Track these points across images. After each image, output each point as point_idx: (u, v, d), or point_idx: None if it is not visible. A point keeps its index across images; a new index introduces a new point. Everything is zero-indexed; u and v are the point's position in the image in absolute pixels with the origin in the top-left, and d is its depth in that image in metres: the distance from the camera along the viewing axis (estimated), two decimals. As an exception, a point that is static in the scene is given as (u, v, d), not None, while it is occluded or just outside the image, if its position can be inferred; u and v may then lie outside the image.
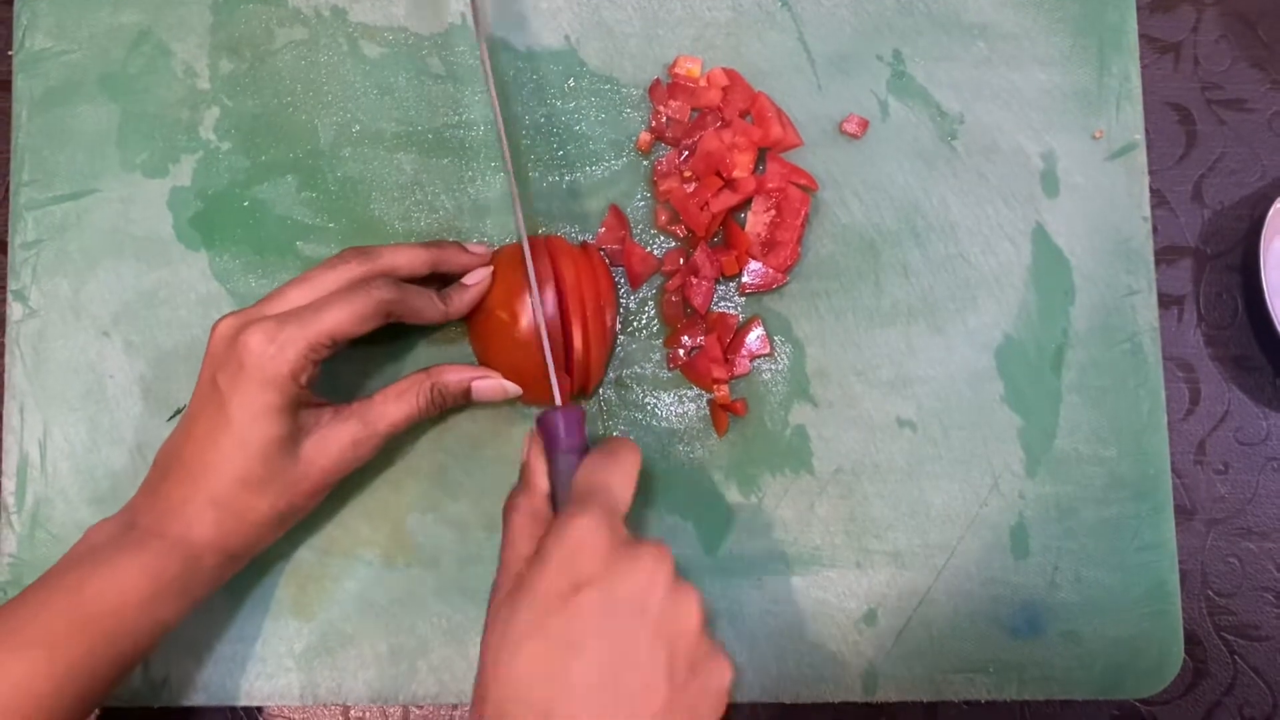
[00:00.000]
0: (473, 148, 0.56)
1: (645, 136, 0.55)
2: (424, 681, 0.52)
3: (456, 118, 0.56)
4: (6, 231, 0.56)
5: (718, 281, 0.54)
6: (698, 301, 0.53)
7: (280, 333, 0.44)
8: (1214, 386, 0.57)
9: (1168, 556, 0.53)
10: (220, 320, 0.46)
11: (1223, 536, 0.56)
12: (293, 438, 0.45)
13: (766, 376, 0.54)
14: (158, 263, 0.55)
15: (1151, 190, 0.56)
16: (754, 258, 0.54)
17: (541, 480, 0.46)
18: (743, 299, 0.55)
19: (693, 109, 0.55)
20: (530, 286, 0.49)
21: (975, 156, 0.56)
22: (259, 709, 0.54)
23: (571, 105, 0.56)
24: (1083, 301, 0.55)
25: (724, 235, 0.55)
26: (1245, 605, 0.56)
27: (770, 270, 0.54)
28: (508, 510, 0.45)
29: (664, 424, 0.54)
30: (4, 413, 0.54)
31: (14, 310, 0.54)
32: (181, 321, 0.54)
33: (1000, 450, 0.54)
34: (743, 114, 0.55)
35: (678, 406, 0.54)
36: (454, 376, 0.50)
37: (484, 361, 0.52)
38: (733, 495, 0.53)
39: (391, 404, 0.48)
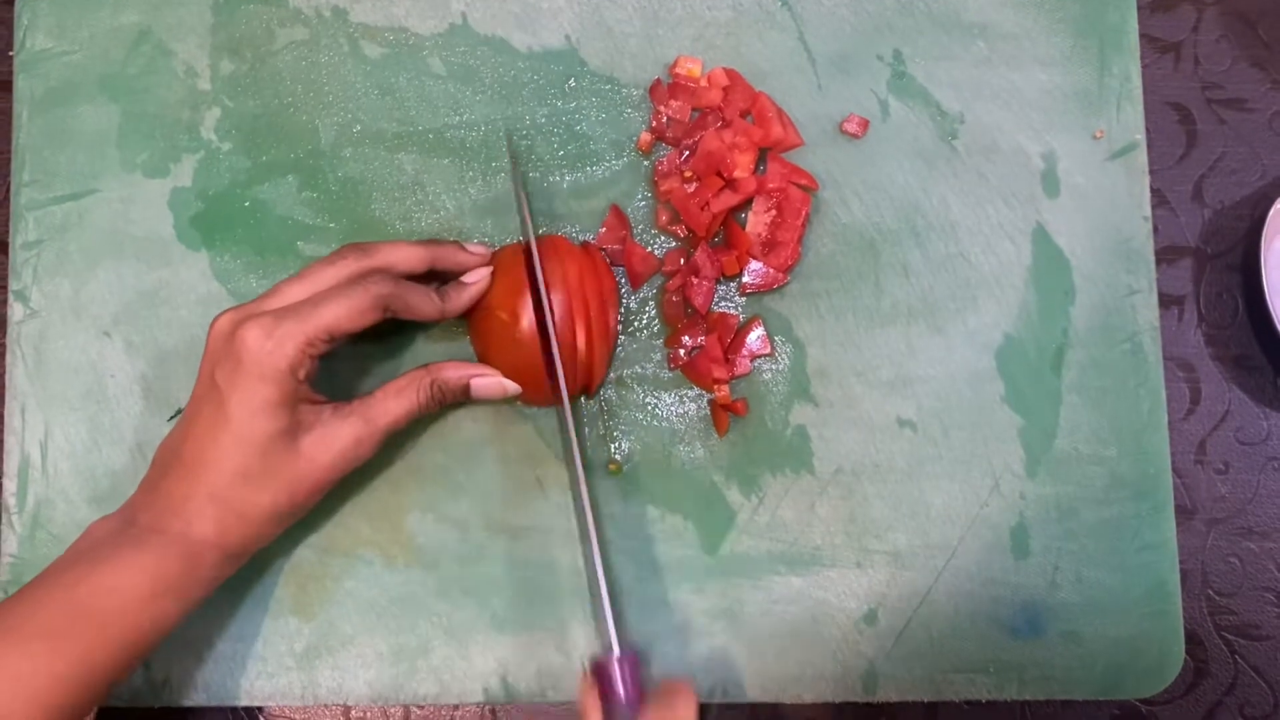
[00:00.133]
0: (473, 148, 0.56)
1: (646, 136, 0.55)
2: (424, 681, 0.52)
3: (457, 118, 0.56)
4: (7, 232, 0.56)
5: (718, 281, 0.54)
6: (698, 301, 0.53)
7: (278, 328, 0.44)
8: (1214, 386, 0.57)
9: (1168, 556, 0.53)
10: (218, 316, 0.46)
11: (1223, 536, 0.56)
12: (292, 433, 0.45)
13: (767, 376, 0.54)
14: (158, 263, 0.55)
15: (1152, 190, 0.56)
16: (755, 258, 0.54)
17: None
18: (743, 299, 0.55)
19: (693, 109, 0.55)
20: (540, 294, 0.49)
21: (976, 156, 0.56)
22: (259, 709, 0.54)
23: (572, 105, 0.56)
24: (1083, 301, 0.55)
25: (725, 235, 0.55)
26: (1246, 605, 0.56)
27: (771, 270, 0.54)
28: None
29: (664, 424, 0.54)
30: (5, 413, 0.54)
31: (15, 311, 0.54)
32: (182, 321, 0.54)
33: (1001, 450, 0.54)
34: (743, 114, 0.55)
35: (678, 406, 0.54)
36: (454, 373, 0.50)
37: (484, 360, 0.52)
38: (733, 495, 0.53)
39: (392, 400, 0.48)
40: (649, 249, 0.55)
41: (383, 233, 0.55)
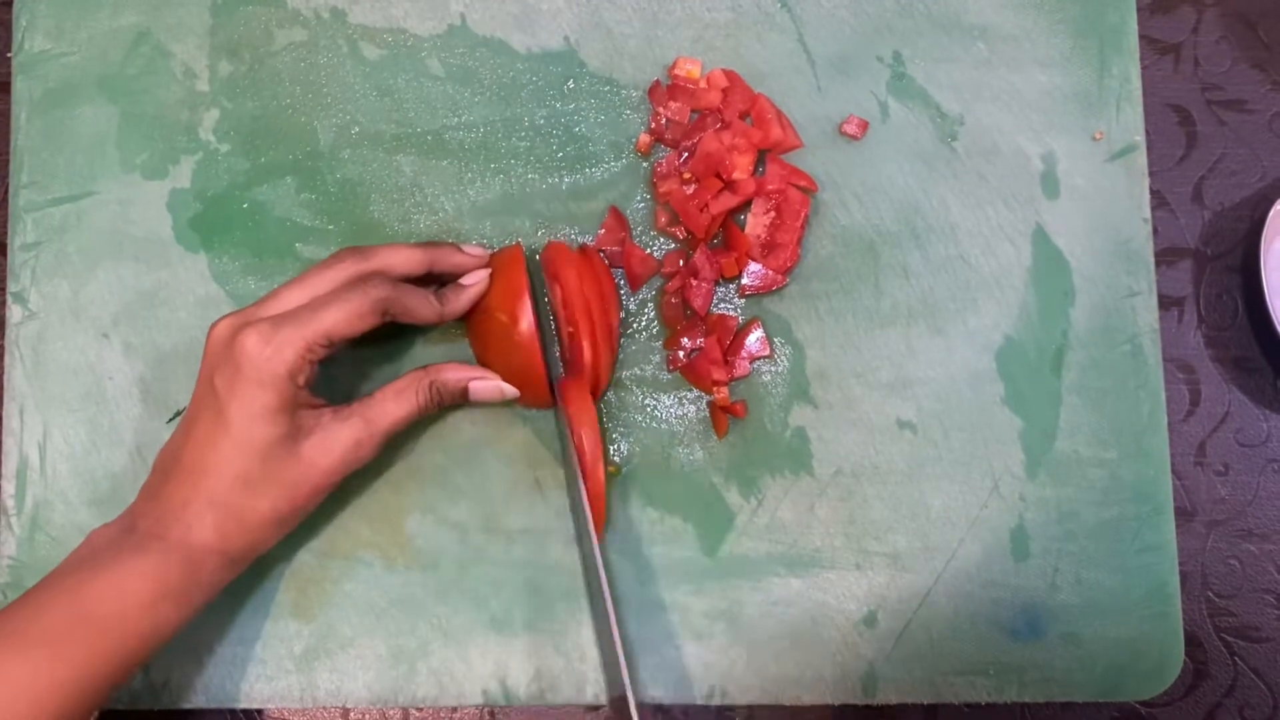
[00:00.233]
0: (472, 149, 0.56)
1: (645, 138, 0.55)
2: (423, 684, 0.52)
3: (456, 119, 0.56)
4: (6, 233, 0.56)
5: (717, 283, 0.54)
6: (697, 303, 0.53)
7: (276, 334, 0.44)
8: (1214, 388, 0.57)
9: (1168, 558, 0.53)
10: (217, 322, 0.46)
11: (1223, 538, 0.56)
12: (292, 438, 0.45)
13: (766, 378, 0.54)
14: (157, 264, 0.55)
15: (1152, 191, 0.56)
16: (754, 259, 0.54)
17: None
18: (742, 301, 0.55)
19: (692, 110, 0.55)
20: (544, 306, 0.49)
21: (975, 158, 0.56)
22: (259, 711, 0.54)
23: (571, 107, 0.56)
24: (1083, 303, 0.55)
25: (724, 237, 0.55)
26: (1246, 607, 0.56)
27: (770, 272, 0.54)
28: None
29: (664, 426, 0.54)
30: (4, 415, 0.54)
31: (13, 312, 0.54)
32: (181, 323, 0.54)
33: (1000, 452, 0.54)
34: (742, 115, 0.55)
35: (677, 408, 0.54)
36: (452, 375, 0.50)
37: (483, 363, 0.52)
38: (733, 497, 0.53)
39: (391, 402, 0.48)
40: (648, 251, 0.55)
41: (381, 234, 0.55)
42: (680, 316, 0.54)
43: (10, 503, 0.53)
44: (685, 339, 0.54)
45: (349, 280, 0.47)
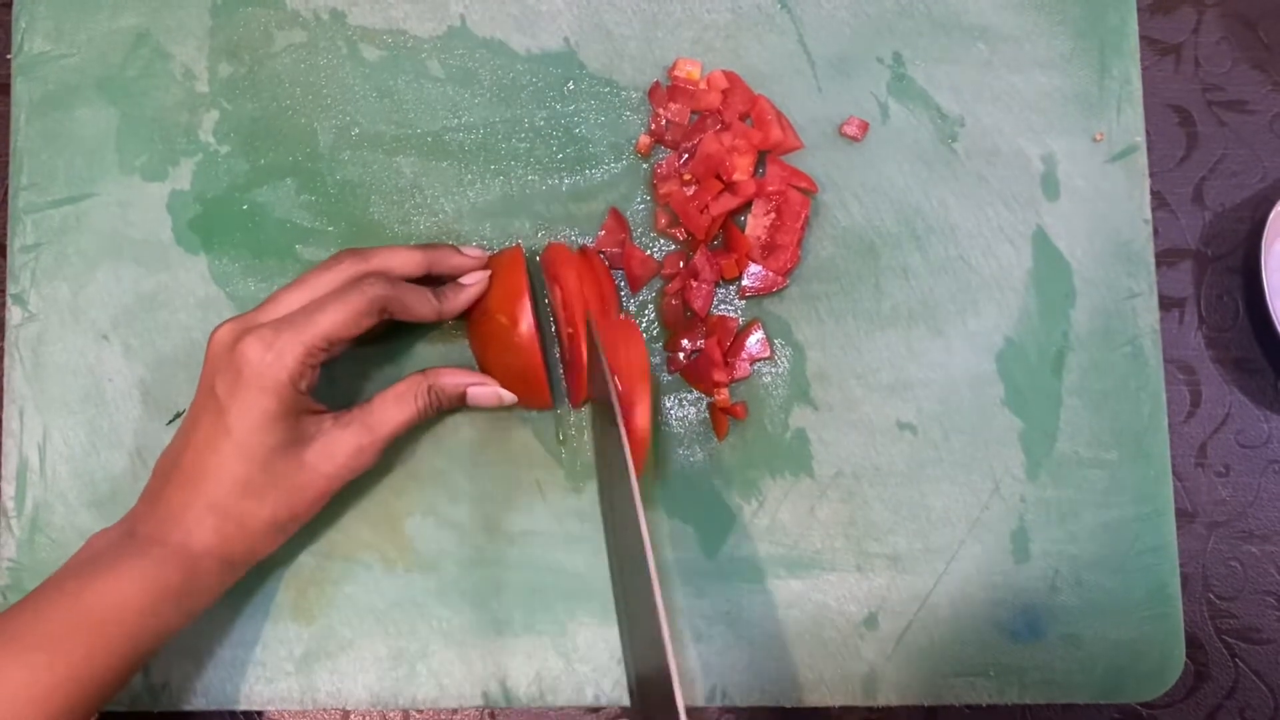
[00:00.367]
0: (472, 151, 0.56)
1: (645, 139, 0.55)
2: (424, 685, 0.52)
3: (456, 120, 0.56)
4: (5, 235, 0.56)
5: (718, 285, 0.54)
6: (698, 305, 0.53)
7: (277, 339, 0.44)
8: (1215, 389, 0.57)
9: (1169, 560, 0.53)
10: (218, 328, 0.46)
11: (1224, 539, 0.56)
12: (294, 445, 0.45)
13: (766, 380, 0.54)
14: (157, 266, 0.55)
15: (1152, 192, 0.56)
16: (754, 261, 0.54)
17: None
18: (743, 302, 0.55)
19: (692, 112, 0.55)
20: (547, 309, 0.48)
21: (975, 159, 0.56)
22: (259, 713, 0.54)
23: (571, 108, 0.56)
24: (1083, 304, 0.55)
25: (724, 238, 0.55)
26: (1247, 608, 0.56)
27: (770, 273, 0.54)
28: None
29: (664, 427, 0.54)
30: (3, 416, 0.54)
31: (13, 314, 0.54)
32: (181, 325, 0.54)
33: (1001, 453, 0.54)
34: (742, 117, 0.55)
35: (678, 410, 0.54)
36: (450, 380, 0.50)
37: (483, 364, 0.52)
38: (733, 499, 0.53)
39: (391, 407, 0.48)
40: (648, 252, 0.55)
41: (381, 236, 0.55)
42: (680, 318, 0.54)
43: (10, 504, 0.53)
44: (685, 340, 0.54)
45: (348, 281, 0.47)
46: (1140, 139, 0.56)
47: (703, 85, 0.55)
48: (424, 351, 0.54)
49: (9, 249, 0.55)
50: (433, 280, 0.50)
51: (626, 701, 0.51)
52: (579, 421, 0.54)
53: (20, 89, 0.56)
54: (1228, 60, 0.59)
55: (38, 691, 0.41)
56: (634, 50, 0.56)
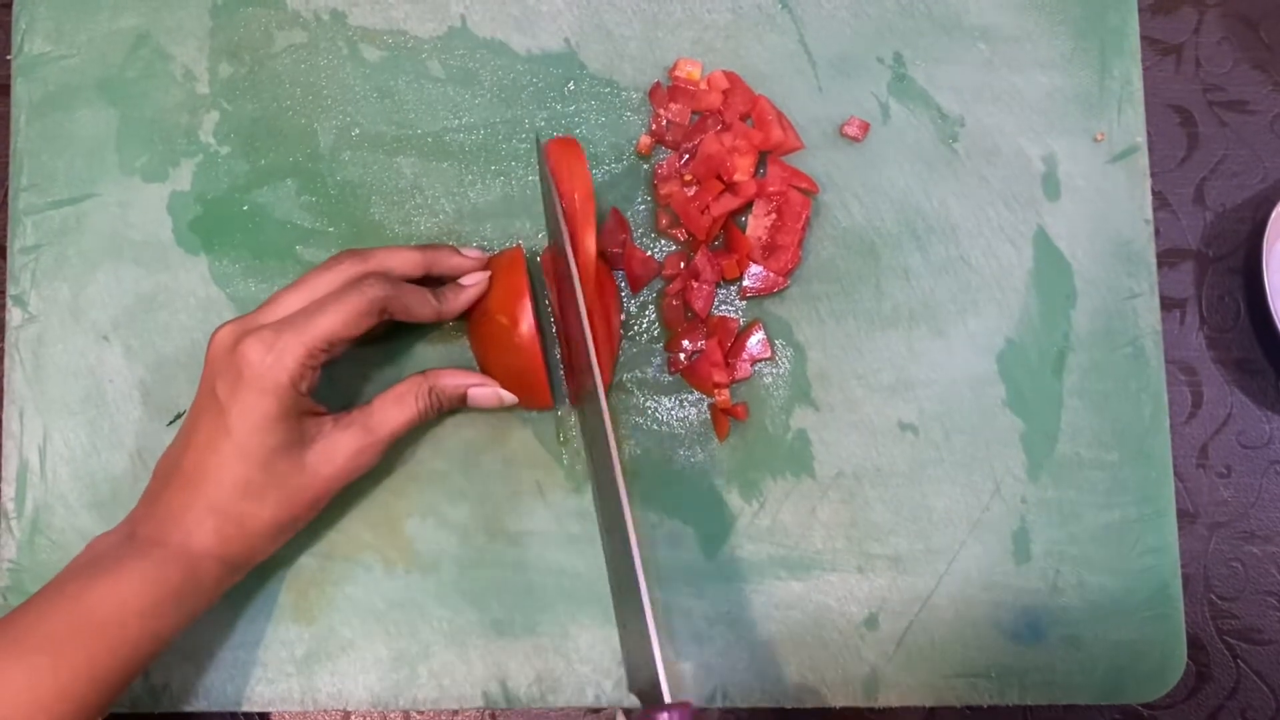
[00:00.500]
0: (472, 151, 0.55)
1: (645, 140, 0.55)
2: (424, 686, 0.52)
3: (456, 121, 0.56)
4: (5, 236, 0.56)
5: (718, 285, 0.54)
6: (698, 305, 0.53)
7: (277, 341, 0.44)
8: (1216, 390, 0.57)
9: (1170, 560, 0.53)
10: (218, 329, 0.46)
11: (1225, 540, 0.56)
12: (294, 446, 0.45)
13: (767, 380, 0.54)
14: (157, 267, 0.55)
15: (1153, 193, 0.56)
16: (755, 261, 0.54)
17: None
18: (743, 303, 0.55)
19: (693, 112, 0.55)
20: (579, 296, 0.48)
21: (976, 159, 0.56)
22: (260, 714, 0.54)
23: (572, 108, 0.56)
24: (1084, 305, 0.55)
25: (725, 239, 0.55)
26: (1248, 609, 0.56)
27: (771, 274, 0.54)
28: None
29: (665, 428, 0.54)
30: (4, 418, 0.54)
31: (13, 315, 0.54)
32: (181, 326, 0.54)
33: (1002, 454, 0.54)
34: (743, 117, 0.55)
35: (678, 411, 0.54)
36: (450, 381, 0.50)
37: (483, 365, 0.52)
38: (734, 500, 0.53)
39: (391, 408, 0.48)
40: (649, 253, 0.55)
41: (382, 237, 0.55)
42: (681, 318, 0.54)
43: (10, 506, 0.53)
44: (686, 341, 0.53)
45: (347, 282, 0.47)
46: (1141, 139, 0.56)
47: (703, 85, 0.55)
48: (424, 352, 0.54)
49: (9, 250, 0.55)
50: (433, 281, 0.50)
51: (627, 703, 0.51)
52: (579, 422, 0.54)
53: (20, 90, 0.56)
54: (1229, 60, 0.59)
55: (40, 694, 0.41)
56: (634, 50, 0.56)
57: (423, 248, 0.50)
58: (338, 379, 0.53)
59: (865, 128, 0.56)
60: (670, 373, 0.54)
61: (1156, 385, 0.54)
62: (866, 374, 0.54)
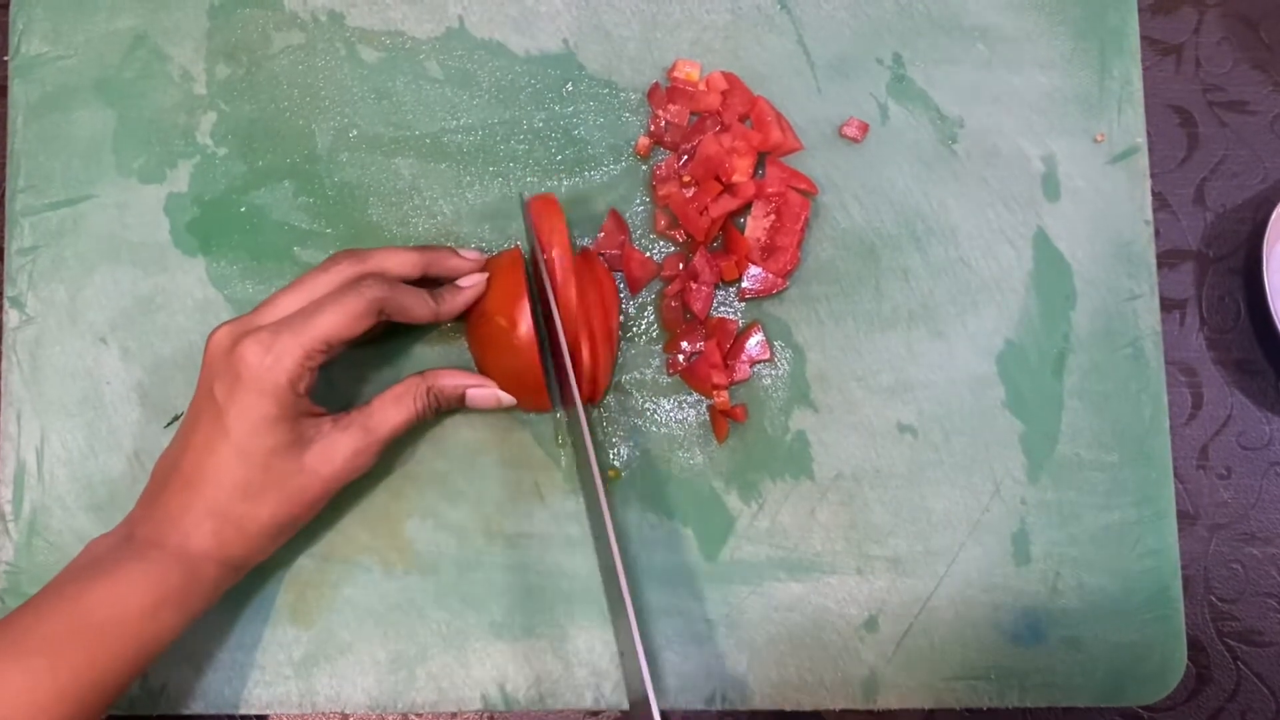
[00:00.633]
0: (470, 152, 0.55)
1: (644, 141, 0.55)
2: (423, 689, 0.52)
3: (454, 122, 0.56)
4: (2, 238, 0.56)
5: (717, 286, 0.54)
6: (697, 307, 0.53)
7: (275, 342, 0.44)
8: (1216, 391, 0.57)
9: (1170, 562, 0.53)
10: (215, 330, 0.46)
11: (1226, 542, 0.56)
12: (293, 447, 0.45)
13: (766, 382, 0.54)
14: (154, 269, 0.54)
15: (1153, 193, 0.56)
16: (754, 262, 0.54)
17: None
18: (742, 304, 0.54)
19: (691, 113, 0.55)
20: (550, 303, 0.48)
21: (976, 160, 0.55)
22: (258, 717, 0.54)
23: (570, 109, 0.56)
24: (1084, 306, 0.55)
25: (723, 240, 0.55)
26: (1248, 611, 0.56)
27: (770, 275, 0.54)
28: None
29: (664, 430, 0.54)
30: (1, 420, 0.54)
31: (10, 317, 0.54)
32: (179, 328, 0.54)
33: (1002, 456, 0.54)
34: (742, 118, 0.55)
35: (677, 412, 0.54)
36: (449, 381, 0.50)
37: (481, 366, 0.52)
38: (733, 501, 0.53)
39: (390, 408, 0.48)
40: (647, 254, 0.55)
41: (380, 238, 0.55)
42: (680, 320, 0.54)
43: (8, 508, 0.53)
44: (685, 342, 0.53)
45: (345, 283, 0.47)
46: (1141, 140, 0.56)
47: (702, 86, 0.55)
48: (422, 353, 0.54)
49: (6, 252, 0.55)
50: (431, 282, 0.50)
51: (625, 705, 0.51)
52: (570, 427, 0.54)
53: (17, 91, 0.56)
54: (1229, 60, 0.59)
55: (39, 697, 0.41)
56: (633, 51, 0.56)
57: (420, 249, 0.50)
58: (336, 380, 0.53)
59: (864, 129, 0.56)
60: (669, 374, 0.54)
61: (1156, 386, 0.54)
62: (866, 375, 0.54)
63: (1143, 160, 0.56)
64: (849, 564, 0.53)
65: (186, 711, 0.52)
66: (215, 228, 0.55)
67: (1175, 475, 0.54)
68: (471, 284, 0.50)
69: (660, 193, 0.54)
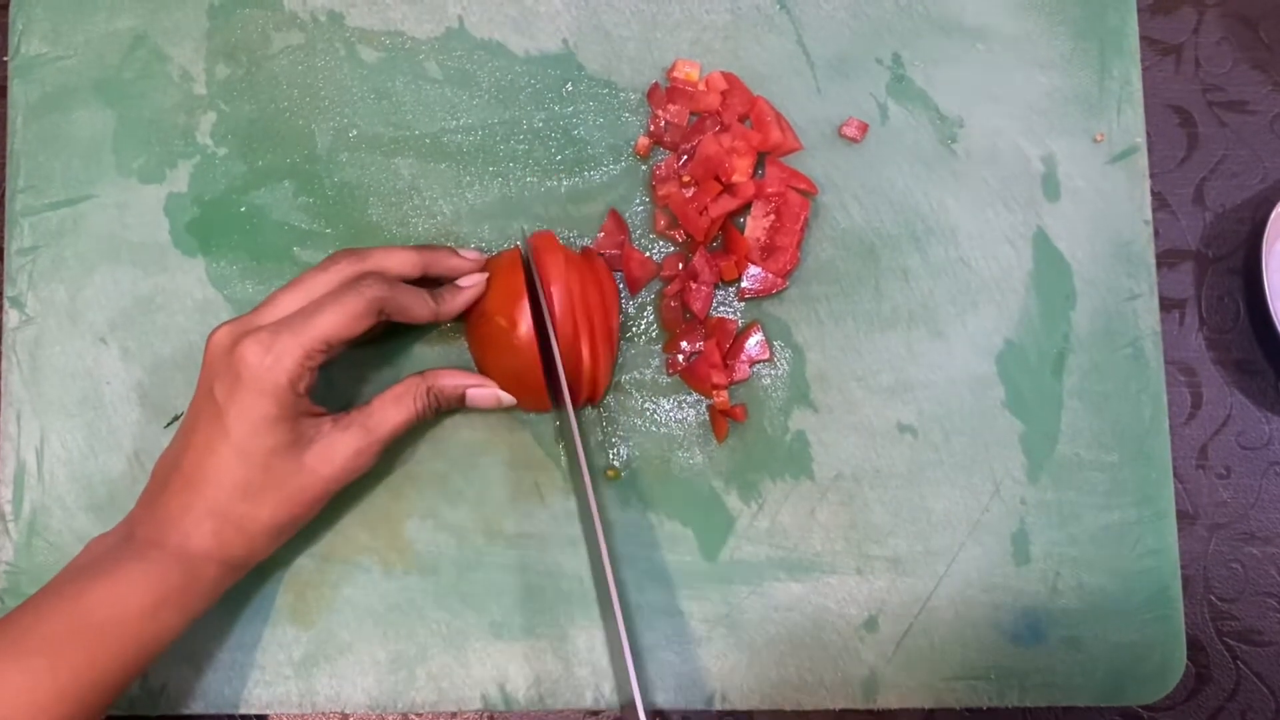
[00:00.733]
0: (470, 152, 0.55)
1: (644, 141, 0.55)
2: (422, 689, 0.52)
3: (454, 122, 0.56)
4: (2, 238, 0.56)
5: (717, 286, 0.54)
6: (697, 307, 0.53)
7: (275, 343, 0.44)
8: (1216, 390, 0.57)
9: (1170, 562, 0.53)
10: (215, 330, 0.46)
11: (1225, 541, 0.56)
12: (293, 447, 0.45)
13: (766, 382, 0.54)
14: (154, 269, 0.54)
15: (1153, 193, 0.56)
16: (753, 262, 0.54)
17: None
18: (742, 304, 0.54)
19: (691, 113, 0.55)
20: (541, 304, 0.49)
21: (975, 160, 0.55)
22: (258, 717, 0.54)
23: (570, 109, 0.56)
24: (1084, 306, 0.55)
25: (723, 240, 0.55)
26: (1248, 610, 0.56)
27: (770, 275, 0.54)
28: None
29: (663, 430, 0.54)
30: (1, 420, 0.54)
31: (10, 317, 0.54)
32: (178, 328, 0.54)
33: (1001, 456, 0.54)
34: (741, 118, 0.55)
35: (677, 412, 0.54)
36: (450, 381, 0.50)
37: (481, 367, 0.52)
38: (733, 501, 0.53)
39: (390, 408, 0.48)
40: (647, 254, 0.55)
41: (379, 238, 0.55)
42: (679, 320, 0.54)
43: (8, 508, 0.53)
44: (684, 342, 0.53)
45: (344, 282, 0.47)
46: (1141, 140, 0.56)
47: (701, 86, 0.55)
48: (422, 353, 0.54)
49: (6, 252, 0.55)
50: (431, 282, 0.50)
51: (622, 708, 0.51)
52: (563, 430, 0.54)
53: (17, 91, 0.56)
54: (1228, 60, 0.59)
55: (39, 697, 0.41)
56: (633, 51, 0.56)
57: (420, 248, 0.50)
58: (335, 380, 0.53)
59: (864, 129, 0.56)
60: (669, 374, 0.54)
61: (1156, 386, 0.54)
62: (865, 375, 0.54)
63: (1142, 160, 0.56)
64: (849, 564, 0.53)
65: (186, 711, 0.52)
66: (215, 228, 0.55)
67: (1175, 475, 0.54)
68: (472, 284, 0.50)
69: (660, 193, 0.54)
